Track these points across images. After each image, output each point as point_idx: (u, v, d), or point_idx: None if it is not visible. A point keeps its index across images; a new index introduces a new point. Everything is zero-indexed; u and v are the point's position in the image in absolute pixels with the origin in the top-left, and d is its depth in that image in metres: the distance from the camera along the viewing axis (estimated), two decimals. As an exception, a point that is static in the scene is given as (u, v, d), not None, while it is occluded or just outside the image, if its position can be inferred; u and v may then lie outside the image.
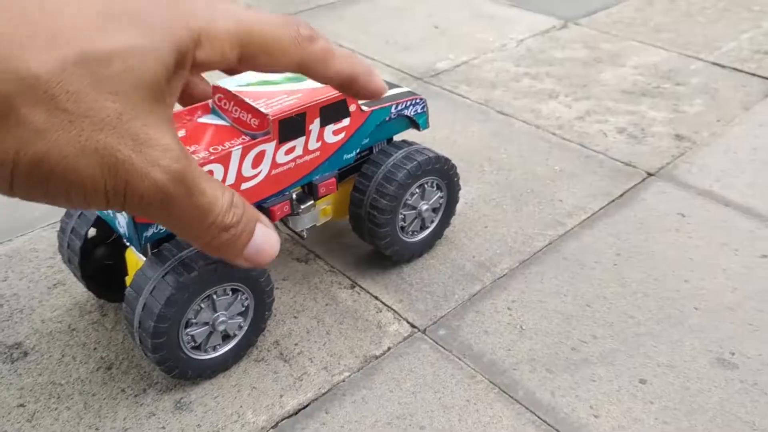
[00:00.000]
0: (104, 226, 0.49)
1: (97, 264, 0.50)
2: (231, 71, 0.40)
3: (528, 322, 0.53)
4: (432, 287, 0.56)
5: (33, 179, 0.31)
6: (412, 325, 0.52)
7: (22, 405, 0.45)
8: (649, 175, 0.71)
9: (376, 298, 0.55)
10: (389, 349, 0.50)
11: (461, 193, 0.67)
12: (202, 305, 0.44)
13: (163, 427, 0.44)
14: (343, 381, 0.47)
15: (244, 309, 0.46)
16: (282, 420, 0.45)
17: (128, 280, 0.45)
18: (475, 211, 0.65)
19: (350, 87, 0.48)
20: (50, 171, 0.31)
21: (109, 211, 0.43)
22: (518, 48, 1.01)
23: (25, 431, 0.44)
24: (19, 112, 0.29)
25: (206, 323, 0.44)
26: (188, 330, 0.44)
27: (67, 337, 0.51)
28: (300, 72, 0.44)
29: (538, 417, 0.45)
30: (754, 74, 0.92)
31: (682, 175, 0.71)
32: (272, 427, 0.44)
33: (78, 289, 0.55)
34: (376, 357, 0.49)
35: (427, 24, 1.10)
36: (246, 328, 0.47)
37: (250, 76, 0.49)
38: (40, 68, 0.30)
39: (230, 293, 0.45)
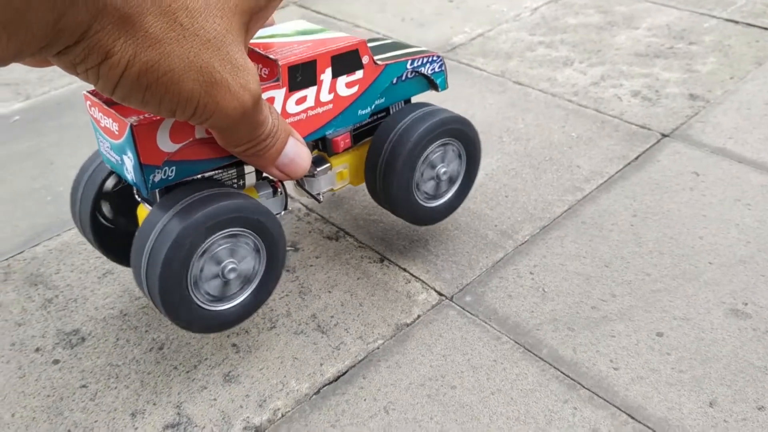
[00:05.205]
0: (117, 186, 0.50)
1: (110, 219, 0.51)
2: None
3: (550, 284, 0.56)
4: (457, 257, 0.59)
5: (137, 85, 0.34)
6: (440, 294, 0.55)
7: (84, 386, 0.50)
8: (664, 136, 0.73)
9: (405, 270, 0.58)
10: (419, 316, 0.53)
11: (481, 164, 0.69)
12: (211, 249, 0.44)
13: (215, 399, 0.48)
14: (378, 348, 0.51)
15: (254, 259, 0.46)
16: (323, 386, 0.48)
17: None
18: (495, 181, 0.68)
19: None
20: (155, 80, 0.34)
21: (118, 159, 0.43)
22: (532, 17, 1.03)
23: (89, 409, 0.48)
24: (143, 20, 0.32)
25: (215, 269, 0.45)
26: (196, 275, 0.44)
27: (120, 322, 0.54)
28: None
29: (561, 372, 0.48)
30: (767, 28, 0.93)
31: (696, 134, 0.73)
32: (315, 394, 0.48)
33: (127, 277, 0.59)
34: (407, 325, 0.53)
35: (441, -1, 1.12)
36: (256, 282, 0.47)
37: (261, 31, 0.49)
38: None
39: (240, 240, 0.45)
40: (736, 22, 0.96)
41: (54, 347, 0.53)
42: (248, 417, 0.46)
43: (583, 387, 0.47)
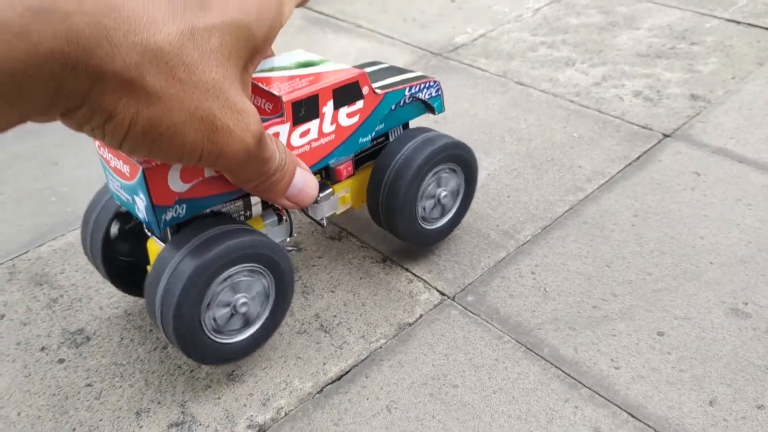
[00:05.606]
0: (127, 218, 0.51)
1: (121, 252, 0.52)
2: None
3: (551, 284, 0.56)
4: (459, 257, 0.59)
5: (141, 140, 0.34)
6: (442, 293, 0.56)
7: (89, 385, 0.50)
8: (665, 136, 0.73)
9: (407, 270, 0.58)
10: (421, 316, 0.54)
11: (483, 165, 0.70)
12: (223, 286, 0.45)
13: (219, 398, 0.48)
14: (380, 348, 0.51)
15: (264, 293, 0.48)
16: (326, 385, 0.49)
17: (150, 268, 0.46)
18: (497, 181, 0.68)
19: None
20: (160, 134, 0.34)
21: (129, 198, 0.44)
22: (534, 17, 1.03)
23: (94, 408, 0.48)
24: (143, 80, 0.32)
25: (227, 305, 0.46)
26: (209, 311, 0.45)
27: (124, 321, 0.55)
28: None
29: (563, 371, 0.48)
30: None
31: (697, 134, 0.73)
32: (318, 393, 0.48)
33: (130, 277, 0.59)
34: (410, 324, 0.53)
35: (443, -1, 1.12)
36: (266, 314, 0.49)
37: (262, 63, 0.49)
38: (164, 41, 0.32)
39: (251, 275, 0.46)
40: (738, 23, 0.96)
41: (59, 346, 0.53)
42: (252, 416, 0.47)
43: (584, 386, 0.47)
